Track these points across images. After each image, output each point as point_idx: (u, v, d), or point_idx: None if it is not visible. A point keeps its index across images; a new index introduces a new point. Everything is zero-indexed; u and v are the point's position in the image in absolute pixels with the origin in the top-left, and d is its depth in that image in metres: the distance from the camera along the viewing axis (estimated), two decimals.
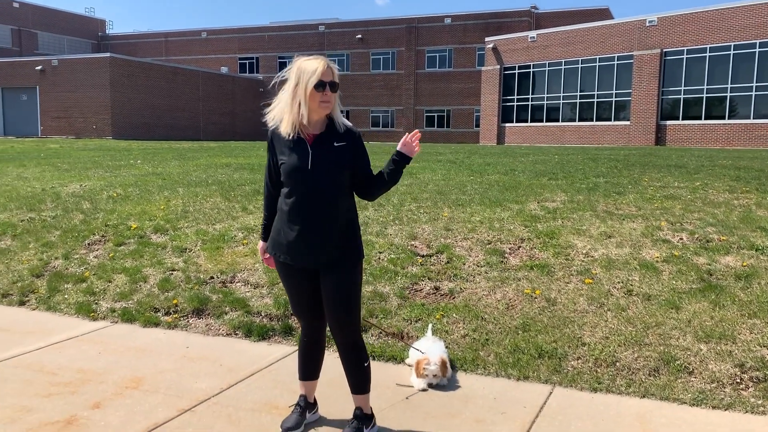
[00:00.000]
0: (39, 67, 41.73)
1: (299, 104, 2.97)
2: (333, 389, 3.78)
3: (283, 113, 3.02)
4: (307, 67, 2.96)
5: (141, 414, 3.52)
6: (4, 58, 44.98)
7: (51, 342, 4.73)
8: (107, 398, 3.73)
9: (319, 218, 3.00)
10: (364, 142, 3.17)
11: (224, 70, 53.49)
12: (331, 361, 3.80)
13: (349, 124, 3.12)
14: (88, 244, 6.83)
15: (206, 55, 56.40)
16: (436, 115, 49.21)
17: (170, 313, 5.24)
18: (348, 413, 3.32)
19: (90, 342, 4.74)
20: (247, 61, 55.57)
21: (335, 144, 3.03)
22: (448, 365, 3.96)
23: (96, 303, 5.52)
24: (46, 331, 5.00)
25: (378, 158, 17.33)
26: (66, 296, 5.70)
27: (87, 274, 6.04)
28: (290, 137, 3.02)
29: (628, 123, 32.87)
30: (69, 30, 57.57)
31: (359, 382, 3.20)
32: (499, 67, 38.57)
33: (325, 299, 3.09)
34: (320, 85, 2.94)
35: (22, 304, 5.69)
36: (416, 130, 3.17)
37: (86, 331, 5.00)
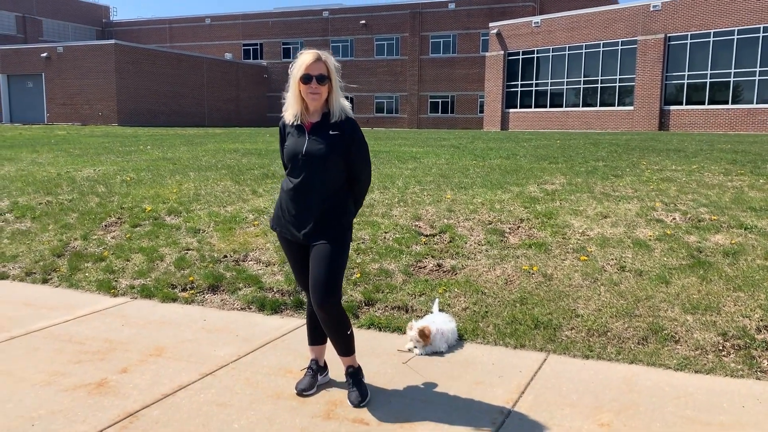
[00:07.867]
0: (44, 54, 41.95)
1: (297, 96, 3.31)
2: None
3: (288, 104, 3.37)
4: (298, 60, 3.29)
5: (166, 377, 3.82)
6: (10, 45, 45.23)
7: (76, 315, 5.03)
8: (133, 364, 4.03)
9: (308, 199, 3.31)
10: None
11: (228, 56, 53.57)
12: None
13: (350, 115, 3.38)
14: (105, 225, 7.12)
15: (210, 42, 56.50)
16: (440, 100, 49.26)
17: (187, 290, 5.53)
18: None
19: (113, 315, 5.04)
20: (251, 47, 55.64)
21: (330, 133, 3.32)
22: (432, 333, 4.19)
23: (116, 280, 5.82)
24: (70, 306, 5.30)
25: (383, 144, 17.54)
26: (87, 274, 5.99)
27: (106, 254, 6.34)
28: (293, 125, 3.37)
29: (631, 108, 32.98)
30: (73, 17, 57.75)
31: (344, 346, 3.50)
32: (503, 52, 38.63)
33: (309, 270, 3.37)
34: (306, 78, 3.25)
35: (45, 282, 5.99)
36: None
37: (108, 306, 5.30)
